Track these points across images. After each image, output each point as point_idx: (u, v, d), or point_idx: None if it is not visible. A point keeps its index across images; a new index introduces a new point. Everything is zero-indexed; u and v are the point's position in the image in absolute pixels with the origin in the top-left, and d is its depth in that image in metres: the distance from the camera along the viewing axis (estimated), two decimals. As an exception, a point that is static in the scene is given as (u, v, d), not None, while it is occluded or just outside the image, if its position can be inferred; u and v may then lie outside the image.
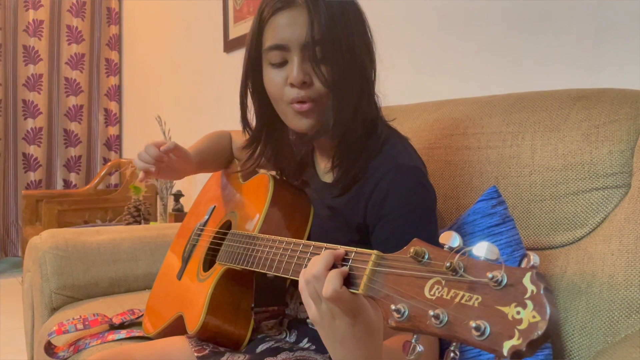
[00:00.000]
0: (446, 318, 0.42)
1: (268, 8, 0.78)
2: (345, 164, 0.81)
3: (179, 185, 2.72)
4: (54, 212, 2.82)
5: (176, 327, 0.97)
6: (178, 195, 2.61)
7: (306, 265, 0.59)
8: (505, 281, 0.39)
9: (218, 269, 0.89)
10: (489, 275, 0.40)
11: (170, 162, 0.96)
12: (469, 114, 1.02)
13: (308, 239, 0.87)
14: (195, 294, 0.93)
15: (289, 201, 0.90)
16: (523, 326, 0.37)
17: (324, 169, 0.88)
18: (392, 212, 0.75)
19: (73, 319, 1.18)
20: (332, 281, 0.53)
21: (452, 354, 0.42)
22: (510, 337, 0.37)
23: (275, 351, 0.84)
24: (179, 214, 2.52)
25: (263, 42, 0.79)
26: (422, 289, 0.45)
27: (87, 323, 1.17)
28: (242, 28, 2.36)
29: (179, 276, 1.05)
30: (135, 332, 1.12)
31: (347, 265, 0.55)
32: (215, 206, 1.09)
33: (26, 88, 3.50)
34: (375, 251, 0.53)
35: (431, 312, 0.42)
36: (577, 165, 0.84)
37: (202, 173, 1.11)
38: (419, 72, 1.54)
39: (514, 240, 0.84)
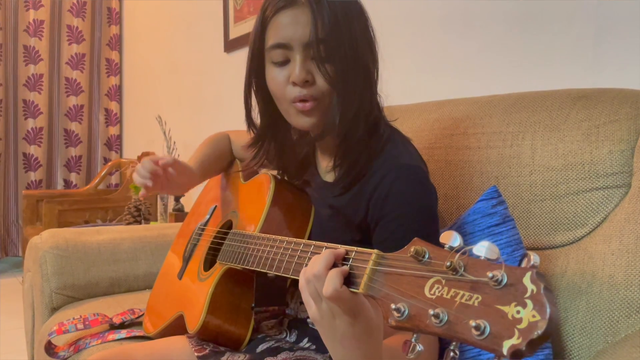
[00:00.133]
0: (446, 317, 0.42)
1: (271, 7, 0.78)
2: (347, 163, 0.81)
3: (179, 185, 2.71)
4: (55, 212, 2.82)
5: (176, 327, 0.97)
6: (178, 196, 2.61)
7: (307, 265, 0.60)
8: (505, 280, 0.39)
9: (219, 269, 0.89)
10: (489, 274, 0.40)
11: (171, 177, 0.94)
12: (469, 114, 1.02)
13: (309, 238, 0.87)
14: (195, 293, 0.93)
15: (289, 201, 0.90)
16: (523, 325, 0.37)
17: (326, 168, 0.88)
18: (394, 212, 0.75)
19: (73, 318, 1.18)
20: (332, 280, 0.53)
21: (451, 354, 0.42)
22: (510, 336, 0.37)
23: (275, 351, 0.84)
24: (179, 214, 2.52)
25: (266, 41, 0.80)
26: (422, 288, 0.45)
27: (87, 323, 1.17)
28: (243, 28, 2.36)
29: (180, 276, 1.05)
30: (136, 332, 1.12)
31: (347, 265, 0.55)
32: (216, 206, 1.09)
33: (27, 88, 3.50)
34: (375, 250, 0.53)
35: (431, 312, 0.42)
36: (577, 165, 0.84)
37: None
38: (419, 72, 1.54)
39: (514, 240, 0.84)
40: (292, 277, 0.65)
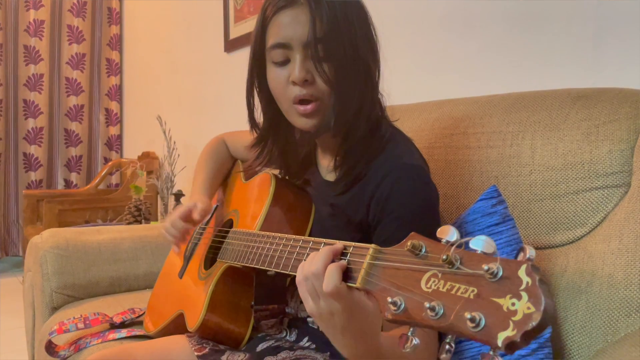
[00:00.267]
0: (442, 310, 0.42)
1: (271, 7, 0.78)
2: (348, 163, 0.81)
3: (179, 184, 2.72)
4: (55, 212, 2.82)
5: (177, 325, 0.97)
6: (179, 195, 2.61)
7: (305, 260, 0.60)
8: (500, 273, 0.39)
9: (219, 267, 0.89)
10: (485, 267, 0.40)
11: None
12: (469, 114, 1.02)
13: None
14: (196, 291, 0.94)
15: (290, 199, 0.90)
16: (518, 317, 0.37)
17: (327, 168, 0.88)
18: (395, 211, 0.75)
19: (74, 318, 1.18)
20: (332, 276, 0.54)
21: (447, 346, 0.42)
22: (505, 328, 0.37)
23: (275, 350, 0.85)
24: (179, 214, 2.51)
25: (266, 41, 0.80)
26: (418, 282, 0.45)
27: (87, 322, 1.17)
28: (243, 28, 2.36)
29: (181, 275, 1.05)
30: (136, 331, 1.12)
31: (345, 260, 0.55)
32: (217, 205, 1.09)
33: (27, 88, 3.51)
34: (373, 245, 0.53)
35: (427, 305, 0.43)
36: (577, 165, 0.84)
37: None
38: (419, 71, 1.54)
39: (514, 239, 0.84)
40: (291, 273, 0.65)
